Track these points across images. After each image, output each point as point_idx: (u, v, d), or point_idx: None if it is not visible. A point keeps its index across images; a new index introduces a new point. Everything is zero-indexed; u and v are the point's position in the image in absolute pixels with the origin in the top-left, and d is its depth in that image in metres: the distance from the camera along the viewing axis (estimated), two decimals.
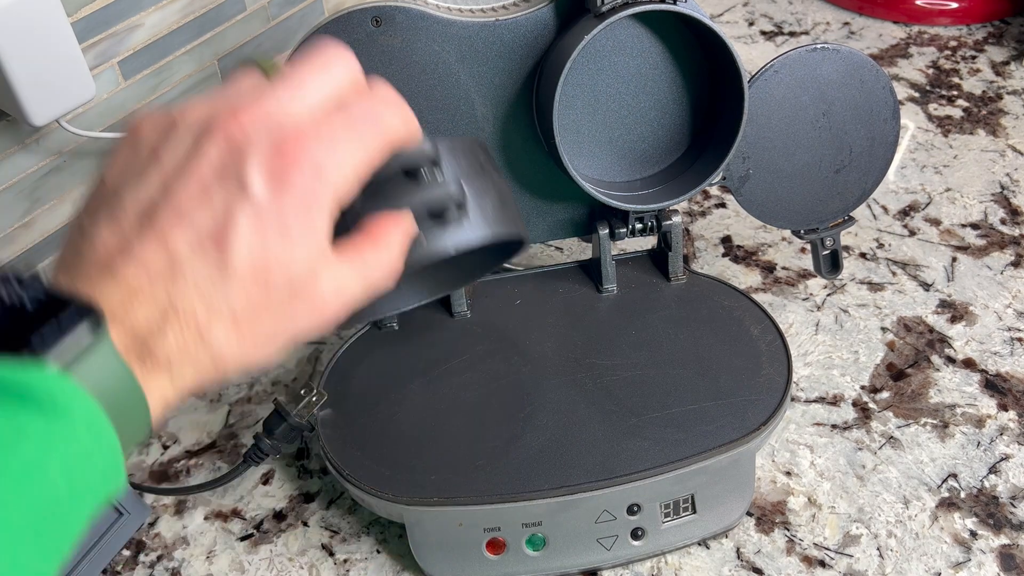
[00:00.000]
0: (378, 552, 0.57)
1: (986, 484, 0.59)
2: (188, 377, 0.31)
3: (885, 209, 0.79)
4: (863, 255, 0.75)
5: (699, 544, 0.56)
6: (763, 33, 1.01)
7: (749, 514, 0.58)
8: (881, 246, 0.75)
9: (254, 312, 0.31)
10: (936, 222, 0.77)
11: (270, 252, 0.31)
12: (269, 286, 0.31)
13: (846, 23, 1.02)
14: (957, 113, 0.89)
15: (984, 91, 0.91)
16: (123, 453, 0.30)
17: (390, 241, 0.35)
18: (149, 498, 0.61)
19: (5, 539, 0.25)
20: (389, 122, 0.34)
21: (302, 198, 0.31)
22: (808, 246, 0.69)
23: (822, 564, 0.55)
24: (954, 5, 1.00)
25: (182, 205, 0.30)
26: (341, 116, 0.33)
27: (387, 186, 0.37)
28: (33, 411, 0.27)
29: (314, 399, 0.57)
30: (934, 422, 0.62)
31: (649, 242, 0.68)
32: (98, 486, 0.29)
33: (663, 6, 0.52)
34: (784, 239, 0.76)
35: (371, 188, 0.35)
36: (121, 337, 0.30)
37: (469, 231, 0.39)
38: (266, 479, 0.62)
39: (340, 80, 0.34)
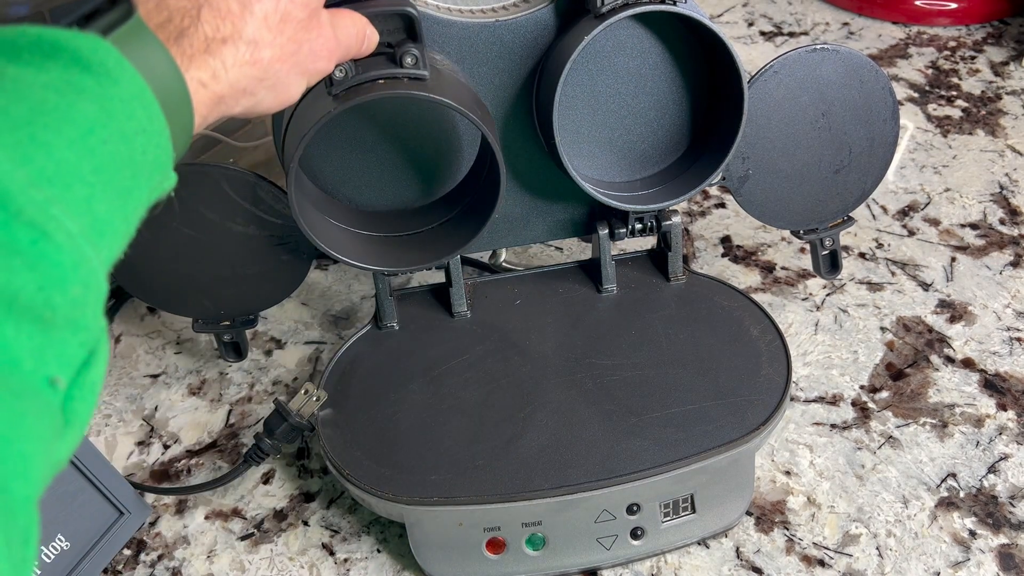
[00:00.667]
0: (378, 552, 0.58)
1: (985, 484, 0.59)
2: (229, 67, 0.35)
3: (884, 209, 0.79)
4: (862, 255, 0.75)
5: (699, 544, 0.56)
6: (762, 33, 1.01)
7: (749, 514, 0.58)
8: (880, 246, 0.75)
9: (279, 18, 0.37)
10: (935, 222, 0.77)
11: None
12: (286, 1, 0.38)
13: (845, 23, 1.02)
14: (956, 113, 0.89)
15: (983, 91, 0.91)
16: (171, 145, 0.32)
17: (355, 20, 0.45)
18: (150, 497, 0.61)
19: (82, 183, 0.28)
20: None
21: None
22: (807, 246, 0.69)
23: (821, 563, 0.55)
24: (953, 5, 1.00)
25: None
26: None
27: None
28: (86, 73, 0.29)
29: (314, 399, 0.57)
30: (933, 422, 0.62)
31: (649, 242, 0.68)
32: (152, 165, 0.31)
33: (663, 7, 0.52)
34: (784, 239, 0.76)
35: None
36: (159, 28, 0.33)
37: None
38: (266, 479, 0.62)
39: None
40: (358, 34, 0.45)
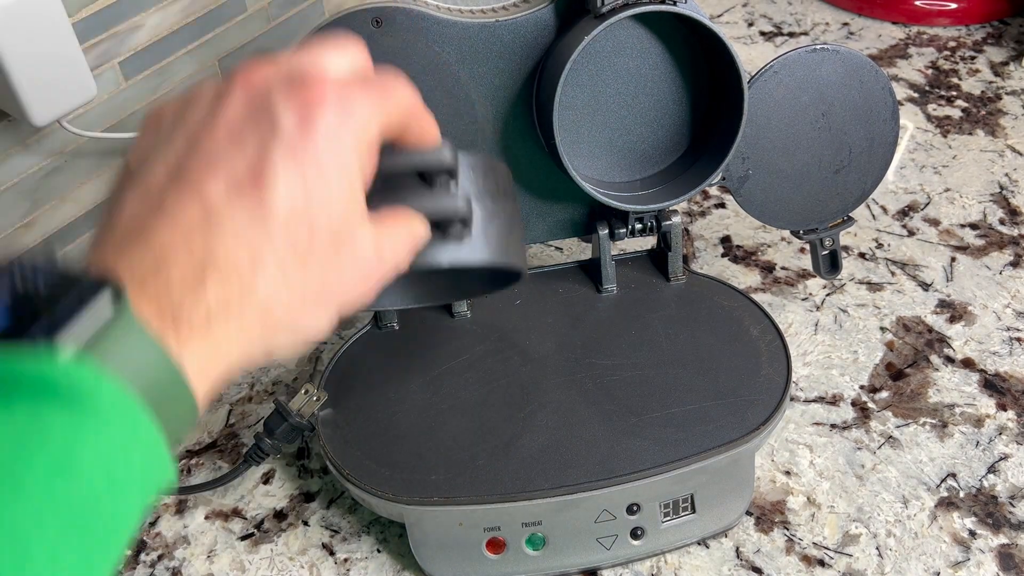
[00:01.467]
0: (378, 552, 0.58)
1: (985, 484, 0.59)
2: (233, 340, 0.28)
3: (884, 209, 0.79)
4: (862, 255, 0.75)
5: (699, 544, 0.56)
6: (762, 34, 1.01)
7: (749, 513, 0.58)
8: (880, 246, 0.75)
9: (299, 259, 0.29)
10: (935, 222, 0.77)
11: (309, 191, 0.29)
12: (312, 229, 0.29)
13: (845, 23, 1.02)
14: (956, 113, 0.89)
15: (983, 91, 0.91)
16: (167, 439, 0.27)
17: (401, 230, 0.34)
18: None
19: (44, 544, 0.23)
20: (402, 93, 0.33)
21: (333, 136, 0.30)
22: (807, 246, 0.69)
23: (821, 563, 0.55)
24: (953, 6, 1.00)
25: (212, 153, 0.29)
26: (355, 78, 0.32)
27: (399, 185, 0.36)
28: (55, 405, 0.24)
29: (314, 399, 0.57)
30: (933, 422, 0.62)
31: (649, 242, 0.68)
32: (142, 480, 0.26)
33: (663, 7, 0.52)
34: (783, 239, 0.76)
35: (384, 184, 0.35)
36: (152, 304, 0.27)
37: (466, 251, 0.38)
38: (266, 478, 0.62)
39: (352, 56, 0.33)
40: (409, 241, 0.35)
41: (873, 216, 0.78)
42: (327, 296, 0.31)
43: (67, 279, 0.26)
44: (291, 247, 0.29)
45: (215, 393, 0.29)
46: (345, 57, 0.32)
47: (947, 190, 0.80)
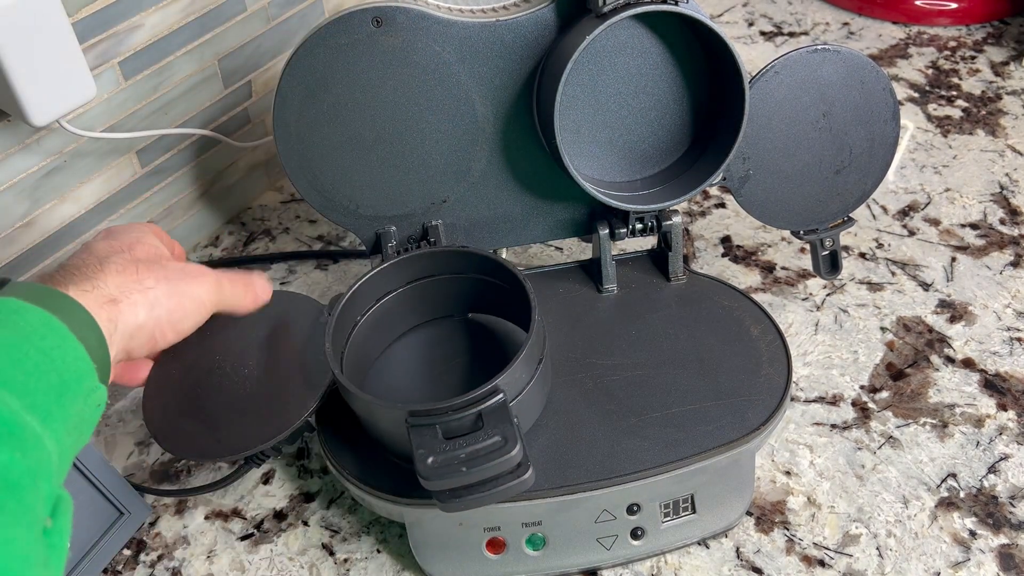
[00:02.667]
0: (378, 552, 0.58)
1: (985, 484, 0.59)
2: (136, 303, 0.47)
3: (885, 209, 0.79)
4: (863, 255, 0.75)
5: (699, 544, 0.56)
6: (763, 33, 1.01)
7: (749, 514, 0.58)
8: (880, 246, 0.75)
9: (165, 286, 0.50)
10: (935, 222, 0.77)
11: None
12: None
13: (845, 23, 1.02)
14: (956, 113, 0.89)
15: (983, 91, 0.91)
16: (89, 357, 0.42)
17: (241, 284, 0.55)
18: (149, 497, 0.61)
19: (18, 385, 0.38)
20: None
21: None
22: (807, 246, 0.69)
23: (821, 564, 0.55)
24: (953, 5, 1.00)
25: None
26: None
27: (462, 429, 0.46)
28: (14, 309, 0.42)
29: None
30: (933, 422, 0.62)
31: (649, 242, 0.68)
32: (75, 374, 0.41)
33: (664, 7, 0.52)
34: (784, 239, 0.76)
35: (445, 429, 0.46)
36: (90, 294, 0.46)
37: (512, 490, 0.46)
38: (266, 479, 0.62)
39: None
40: (249, 291, 0.57)
41: (873, 216, 0.78)
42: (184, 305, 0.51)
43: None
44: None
45: (128, 336, 0.47)
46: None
47: (947, 190, 0.80)
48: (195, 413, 0.54)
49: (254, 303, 0.56)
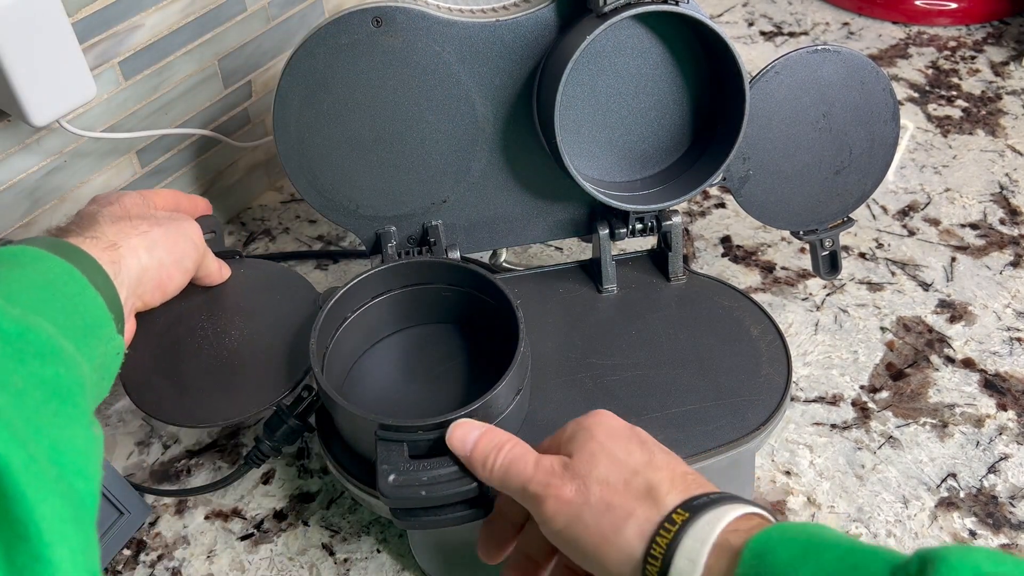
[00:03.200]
0: (378, 552, 0.58)
1: (985, 484, 0.59)
2: (135, 246, 0.50)
3: (884, 209, 0.79)
4: (863, 255, 0.75)
5: None
6: (763, 33, 1.01)
7: None
8: (880, 246, 0.75)
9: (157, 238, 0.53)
10: (935, 222, 0.77)
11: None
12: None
13: (845, 23, 1.02)
14: (956, 113, 0.89)
15: (983, 91, 0.91)
16: (106, 305, 0.44)
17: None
18: (149, 497, 0.61)
19: (47, 318, 0.40)
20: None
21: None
22: (807, 246, 0.69)
23: None
24: (953, 5, 1.00)
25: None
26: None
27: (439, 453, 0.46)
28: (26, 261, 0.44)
29: (314, 400, 0.57)
30: (933, 422, 0.62)
31: (649, 242, 0.68)
32: (96, 319, 0.44)
33: (665, 7, 0.52)
34: (784, 239, 0.76)
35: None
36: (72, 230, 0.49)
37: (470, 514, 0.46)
38: (266, 479, 0.62)
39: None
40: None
41: (873, 216, 0.78)
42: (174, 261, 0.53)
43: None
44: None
45: (135, 279, 0.49)
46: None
47: (947, 190, 0.80)
48: (168, 371, 0.54)
49: (219, 274, 0.59)
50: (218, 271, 0.59)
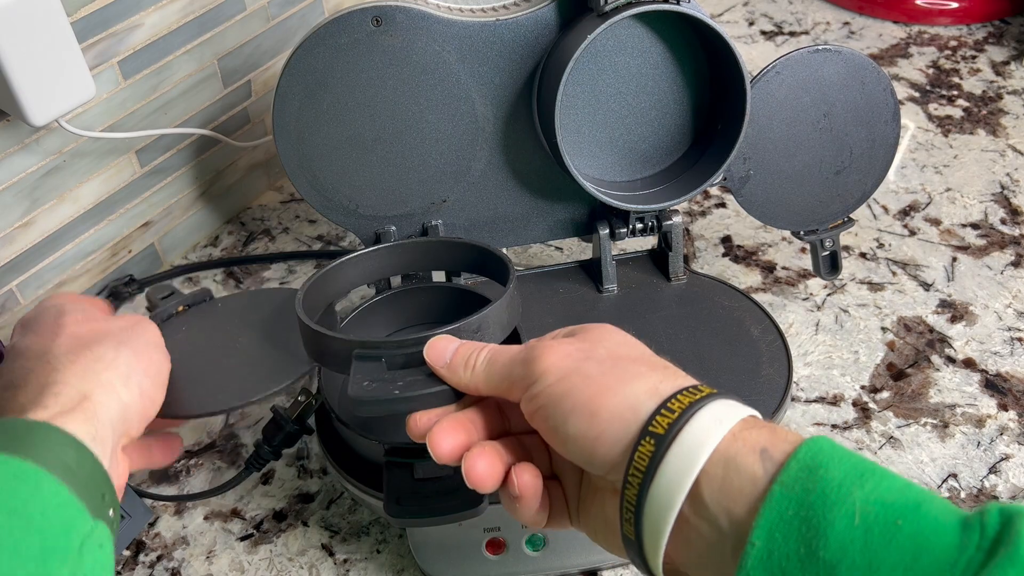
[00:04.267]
0: (378, 552, 0.57)
1: (986, 484, 0.59)
2: (108, 384, 0.42)
3: (885, 209, 0.79)
4: (863, 255, 0.75)
5: None
6: (763, 33, 1.01)
7: None
8: (881, 246, 0.75)
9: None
10: (936, 222, 0.77)
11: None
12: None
13: (846, 23, 1.02)
14: (957, 113, 0.89)
15: (984, 91, 0.91)
16: (78, 498, 0.36)
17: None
18: (148, 500, 0.61)
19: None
20: None
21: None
22: (808, 246, 0.69)
23: None
24: (954, 5, 1.00)
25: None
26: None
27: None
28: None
29: (313, 402, 0.56)
30: (934, 422, 0.62)
31: (649, 242, 0.68)
32: (60, 527, 0.34)
33: (666, 6, 0.52)
34: (784, 239, 0.76)
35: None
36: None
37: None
38: (266, 479, 0.62)
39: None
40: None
41: (874, 216, 0.78)
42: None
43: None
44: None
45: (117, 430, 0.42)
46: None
47: (948, 190, 0.80)
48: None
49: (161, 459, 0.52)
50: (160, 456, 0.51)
